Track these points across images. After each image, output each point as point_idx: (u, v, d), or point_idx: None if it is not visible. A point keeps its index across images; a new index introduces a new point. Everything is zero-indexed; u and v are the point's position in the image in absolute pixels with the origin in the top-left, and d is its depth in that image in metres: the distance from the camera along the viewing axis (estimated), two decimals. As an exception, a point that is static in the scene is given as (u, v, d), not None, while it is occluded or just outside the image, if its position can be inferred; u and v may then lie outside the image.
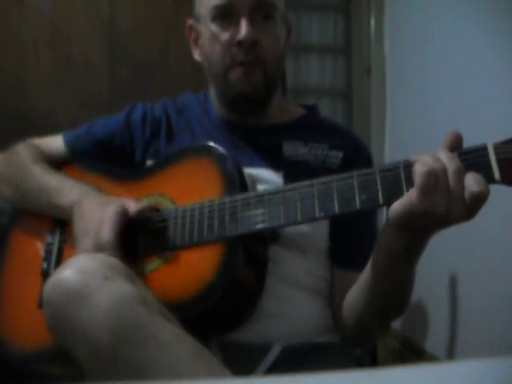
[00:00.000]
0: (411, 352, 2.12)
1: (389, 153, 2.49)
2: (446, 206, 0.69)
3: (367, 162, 1.04)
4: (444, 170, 0.69)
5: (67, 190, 0.97)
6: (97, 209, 0.89)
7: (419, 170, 0.70)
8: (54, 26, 2.28)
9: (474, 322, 1.75)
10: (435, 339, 1.98)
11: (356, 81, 2.73)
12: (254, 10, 0.95)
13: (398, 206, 0.72)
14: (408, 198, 0.71)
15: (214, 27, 0.97)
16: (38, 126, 2.26)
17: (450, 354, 1.85)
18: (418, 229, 0.74)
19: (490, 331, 1.63)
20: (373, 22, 2.60)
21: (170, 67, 2.35)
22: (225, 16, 0.95)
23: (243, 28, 0.93)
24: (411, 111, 2.28)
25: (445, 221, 0.70)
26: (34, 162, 1.03)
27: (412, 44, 2.29)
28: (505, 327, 1.56)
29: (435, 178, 0.69)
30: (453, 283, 1.87)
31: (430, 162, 0.70)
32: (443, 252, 1.58)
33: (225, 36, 0.95)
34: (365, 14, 2.66)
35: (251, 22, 0.94)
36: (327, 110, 2.72)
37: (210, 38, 0.98)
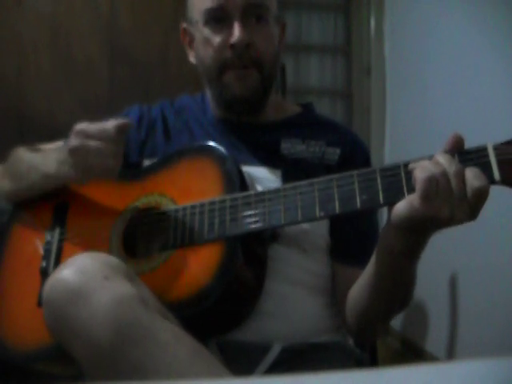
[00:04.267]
0: (411, 352, 2.13)
1: (389, 153, 2.49)
2: (449, 210, 0.69)
3: (365, 158, 1.04)
4: (444, 174, 0.69)
5: (48, 157, 0.96)
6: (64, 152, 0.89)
7: (419, 177, 0.69)
8: (54, 26, 2.28)
9: (473, 322, 1.75)
10: (435, 339, 1.99)
11: (356, 81, 2.73)
12: (246, 12, 0.95)
13: (400, 209, 0.72)
14: (410, 204, 0.71)
15: (206, 31, 0.97)
16: (37, 126, 2.27)
17: (450, 354, 1.85)
18: (420, 231, 0.74)
19: (490, 331, 1.63)
20: (373, 22, 2.61)
21: (170, 67, 2.35)
22: (217, 19, 0.96)
23: (236, 31, 0.94)
24: (411, 111, 2.28)
25: (448, 223, 0.70)
26: (25, 152, 1.03)
27: (412, 44, 2.29)
28: (505, 327, 1.56)
29: (436, 183, 0.69)
30: (453, 283, 1.87)
31: (430, 167, 0.70)
32: (443, 252, 1.58)
33: (217, 39, 0.96)
34: (365, 14, 2.66)
35: (244, 25, 0.94)
36: (327, 110, 2.72)
37: (202, 42, 0.98)
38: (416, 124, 2.22)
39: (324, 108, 2.70)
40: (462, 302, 1.83)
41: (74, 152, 0.86)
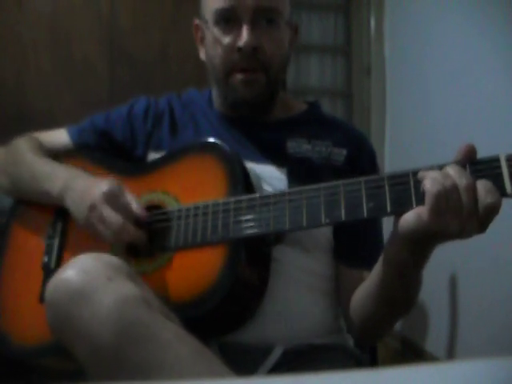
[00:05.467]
0: (411, 352, 2.13)
1: (389, 153, 2.49)
2: (459, 225, 0.68)
3: (371, 158, 1.03)
4: (455, 188, 0.68)
5: (55, 176, 0.97)
6: (84, 195, 0.91)
7: (429, 191, 0.68)
8: (54, 26, 2.28)
9: (473, 322, 1.75)
10: (435, 339, 1.99)
11: (356, 81, 2.73)
12: (257, 15, 0.94)
13: (408, 221, 0.71)
14: (419, 216, 0.70)
15: (216, 31, 0.96)
16: (37, 126, 2.26)
17: (450, 354, 1.85)
18: (426, 242, 0.73)
19: (490, 331, 1.63)
20: (373, 22, 2.60)
21: (170, 67, 2.35)
22: (227, 20, 0.95)
23: (244, 34, 0.93)
24: (411, 111, 2.28)
25: (456, 237, 0.70)
26: (29, 152, 1.04)
27: (412, 44, 2.29)
28: (505, 327, 1.56)
29: (446, 198, 0.68)
30: (453, 283, 1.87)
31: (440, 179, 0.68)
32: (443, 252, 1.57)
33: (226, 41, 0.95)
34: (365, 14, 2.66)
35: (253, 28, 0.94)
36: (327, 110, 2.71)
37: (212, 41, 0.97)
38: (416, 124, 2.22)
39: (324, 108, 2.69)
40: (462, 302, 1.83)
41: (92, 209, 0.88)
